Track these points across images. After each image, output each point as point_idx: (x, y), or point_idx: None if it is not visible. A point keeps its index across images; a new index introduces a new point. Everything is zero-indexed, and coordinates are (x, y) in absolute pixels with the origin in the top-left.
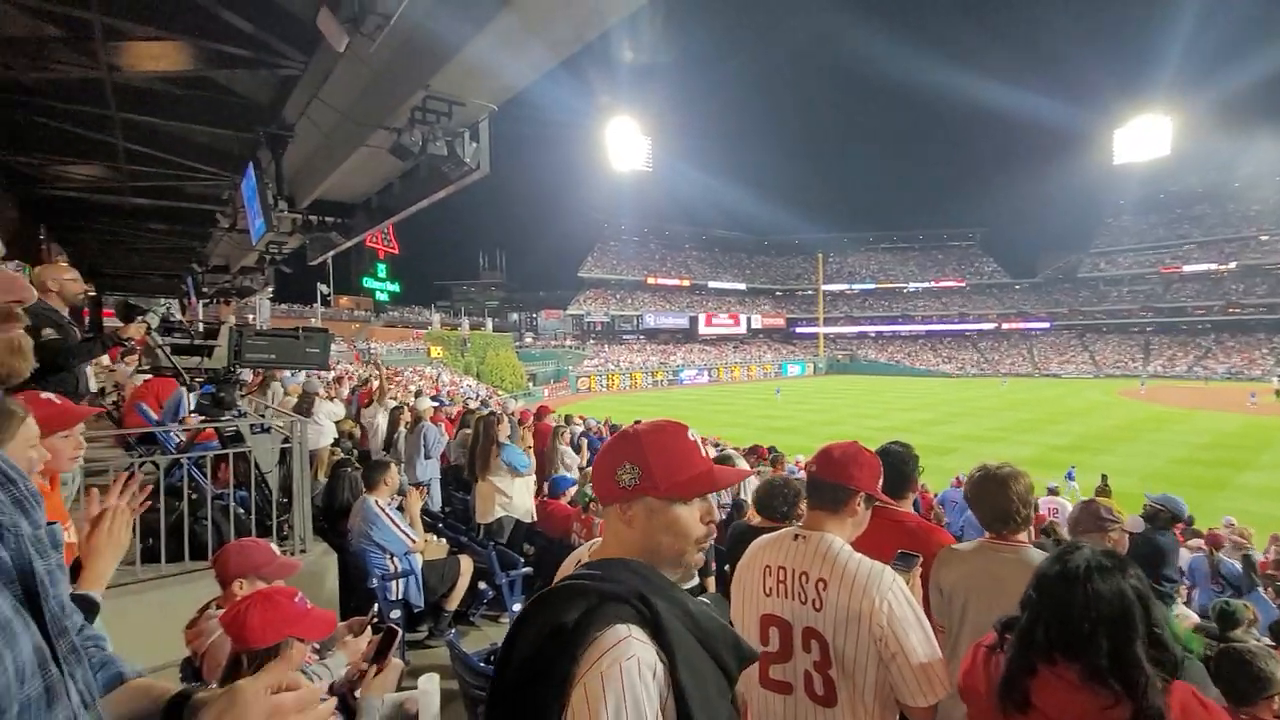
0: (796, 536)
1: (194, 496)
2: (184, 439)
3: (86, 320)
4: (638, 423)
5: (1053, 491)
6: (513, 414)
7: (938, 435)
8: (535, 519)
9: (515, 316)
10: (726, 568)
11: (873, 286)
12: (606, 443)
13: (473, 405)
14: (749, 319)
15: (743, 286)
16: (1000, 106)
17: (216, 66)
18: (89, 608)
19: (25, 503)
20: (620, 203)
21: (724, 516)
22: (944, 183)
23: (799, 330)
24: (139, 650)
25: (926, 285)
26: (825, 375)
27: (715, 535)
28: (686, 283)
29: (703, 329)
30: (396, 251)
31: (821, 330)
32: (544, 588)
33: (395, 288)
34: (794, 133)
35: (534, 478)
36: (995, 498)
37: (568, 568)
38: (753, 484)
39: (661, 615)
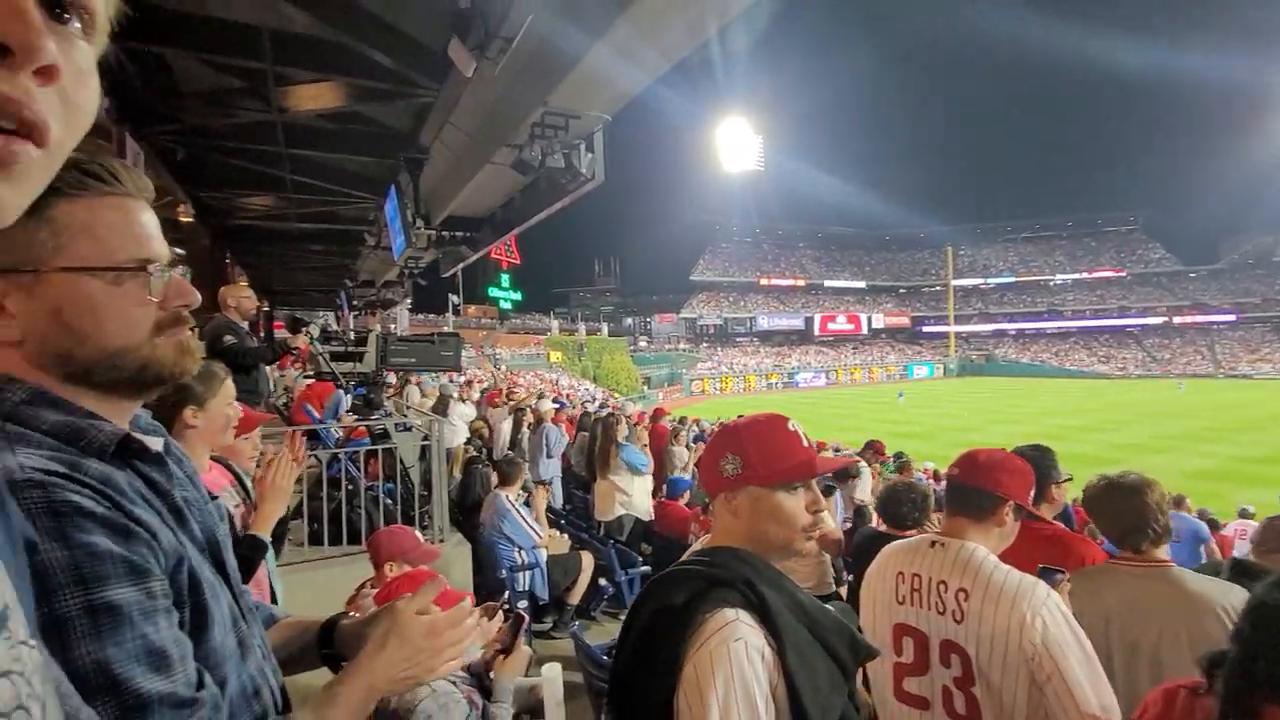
0: (934, 543)
1: (350, 487)
2: (341, 436)
3: (260, 331)
4: (740, 417)
5: (1245, 515)
6: (629, 416)
7: (1095, 444)
8: (653, 518)
9: (629, 321)
10: (850, 577)
11: (1012, 280)
12: (711, 437)
13: (590, 408)
14: (869, 318)
15: (862, 285)
16: (1161, 70)
17: (363, 100)
18: (258, 547)
19: (195, 478)
20: (731, 204)
21: (846, 526)
22: (1095, 162)
23: (926, 330)
24: None
25: (1078, 276)
26: (957, 377)
27: (829, 534)
28: (801, 283)
29: (819, 330)
30: (518, 261)
31: (952, 329)
32: None
33: (517, 296)
34: (915, 121)
35: (652, 478)
36: (1124, 509)
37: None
38: (867, 483)
39: (769, 601)
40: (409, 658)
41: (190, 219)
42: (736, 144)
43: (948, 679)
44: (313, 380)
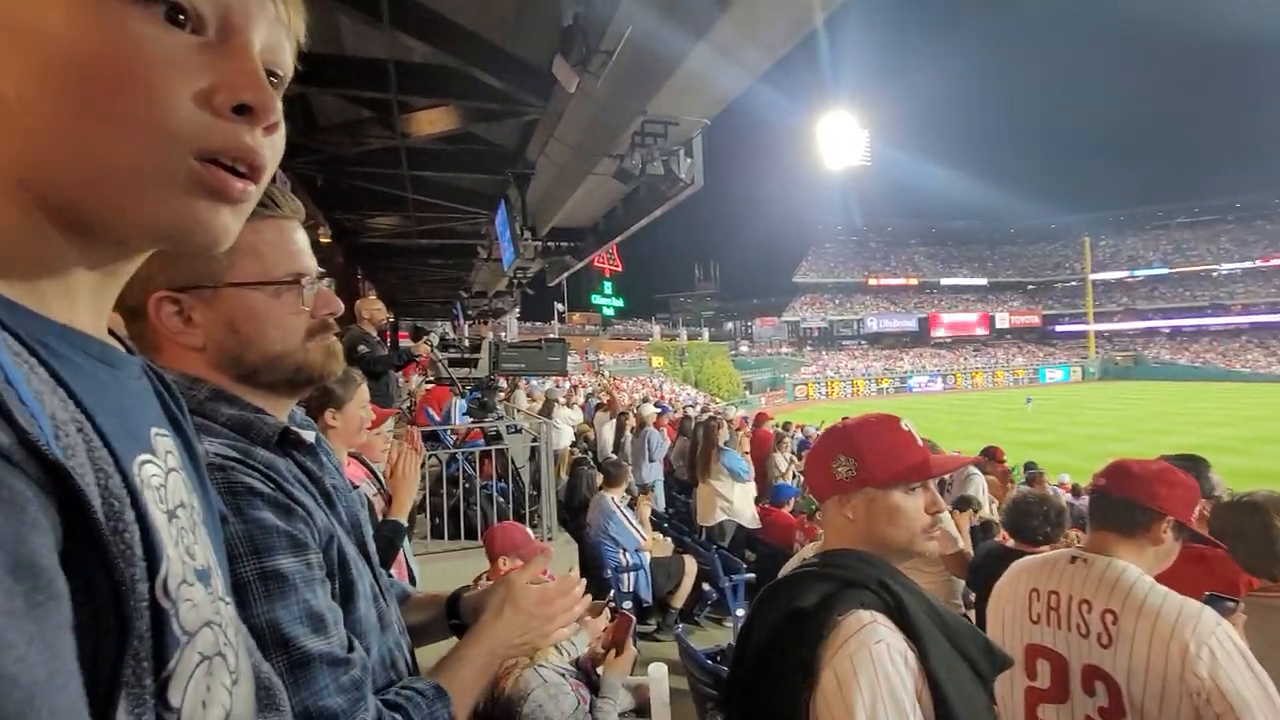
0: (1075, 559)
1: (466, 486)
2: (458, 437)
3: (389, 341)
4: (846, 419)
5: None
6: (730, 421)
7: (1270, 457)
8: (757, 526)
9: (730, 325)
10: (973, 596)
11: (1164, 271)
12: (818, 439)
13: (691, 413)
14: (992, 317)
15: (983, 282)
16: None
17: (476, 121)
18: (398, 530)
19: (340, 469)
20: (835, 202)
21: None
22: (1266, 135)
23: (1059, 329)
24: None
25: (1249, 265)
26: (1098, 381)
27: (961, 552)
28: (913, 281)
29: (934, 331)
30: (620, 269)
31: (1091, 327)
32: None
33: (620, 303)
34: (1042, 102)
35: (754, 484)
36: (1248, 529)
37: (793, 562)
38: (979, 482)
39: (905, 602)
40: (524, 624)
41: (328, 240)
42: (840, 139)
43: (1091, 709)
44: (432, 385)
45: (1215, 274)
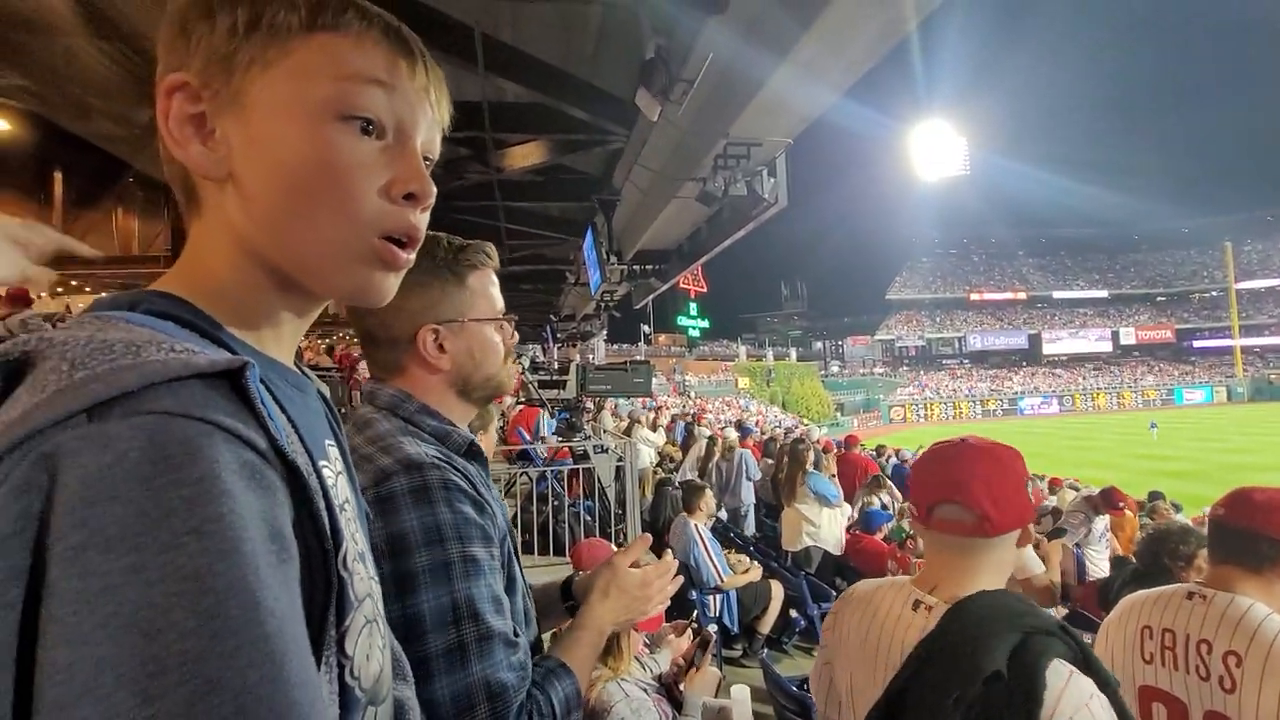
0: (1193, 595)
1: (555, 503)
2: (547, 456)
3: None
4: (964, 439)
5: None
6: (816, 442)
7: None
8: (845, 552)
9: (819, 345)
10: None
11: None
12: (991, 457)
13: (778, 434)
14: (1115, 333)
15: (1104, 294)
16: None
17: (565, 153)
18: None
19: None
20: (930, 215)
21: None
22: None
23: (1197, 344)
24: None
25: None
26: (1248, 403)
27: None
28: (1022, 295)
29: (1048, 348)
30: (705, 290)
31: (1237, 343)
32: None
33: (705, 324)
34: (1169, 94)
35: (846, 508)
36: None
37: (893, 604)
38: (1099, 533)
39: (1089, 651)
40: (626, 605)
41: None
42: (935, 149)
43: None
44: (524, 406)
45: None
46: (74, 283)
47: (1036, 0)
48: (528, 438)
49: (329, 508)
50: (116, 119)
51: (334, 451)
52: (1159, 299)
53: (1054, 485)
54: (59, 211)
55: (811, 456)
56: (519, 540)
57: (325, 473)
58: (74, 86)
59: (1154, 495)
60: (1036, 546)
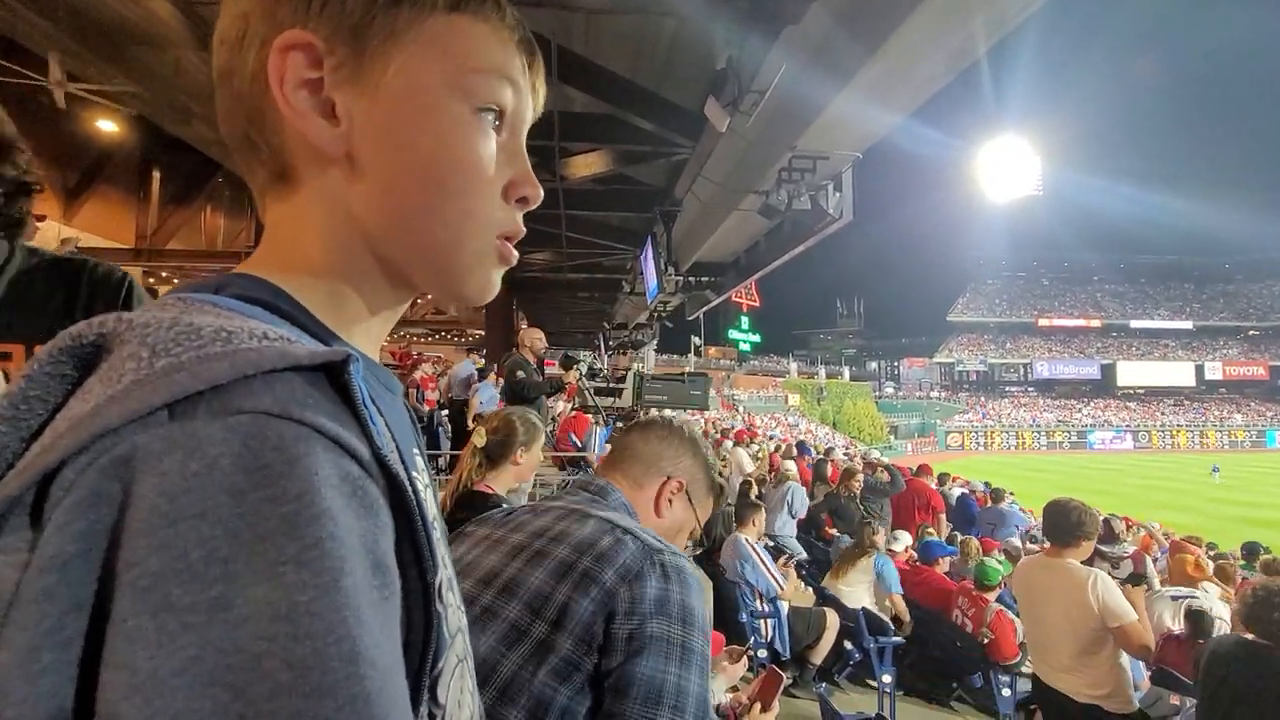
0: None
1: None
2: (598, 465)
3: (545, 369)
4: None
5: None
6: (880, 468)
7: None
8: (903, 586)
9: (874, 365)
10: (1188, 702)
11: None
12: None
13: (838, 456)
14: (1200, 367)
15: (1188, 325)
16: None
17: (628, 164)
18: None
19: None
20: (999, 235)
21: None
22: None
23: None
24: None
25: None
26: None
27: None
28: (1096, 323)
29: (1122, 379)
30: (758, 304)
31: None
32: (918, 659)
33: (756, 338)
34: (1261, 111)
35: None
36: None
37: None
38: (1214, 597)
39: None
40: None
41: None
42: (1008, 167)
43: None
44: (577, 412)
45: None
46: (164, 274)
47: (1116, 4)
48: (578, 443)
49: (427, 531)
50: (213, 123)
51: (420, 461)
52: (1251, 333)
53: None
54: (155, 207)
55: (882, 539)
56: None
57: (419, 486)
58: (179, 94)
59: (1251, 548)
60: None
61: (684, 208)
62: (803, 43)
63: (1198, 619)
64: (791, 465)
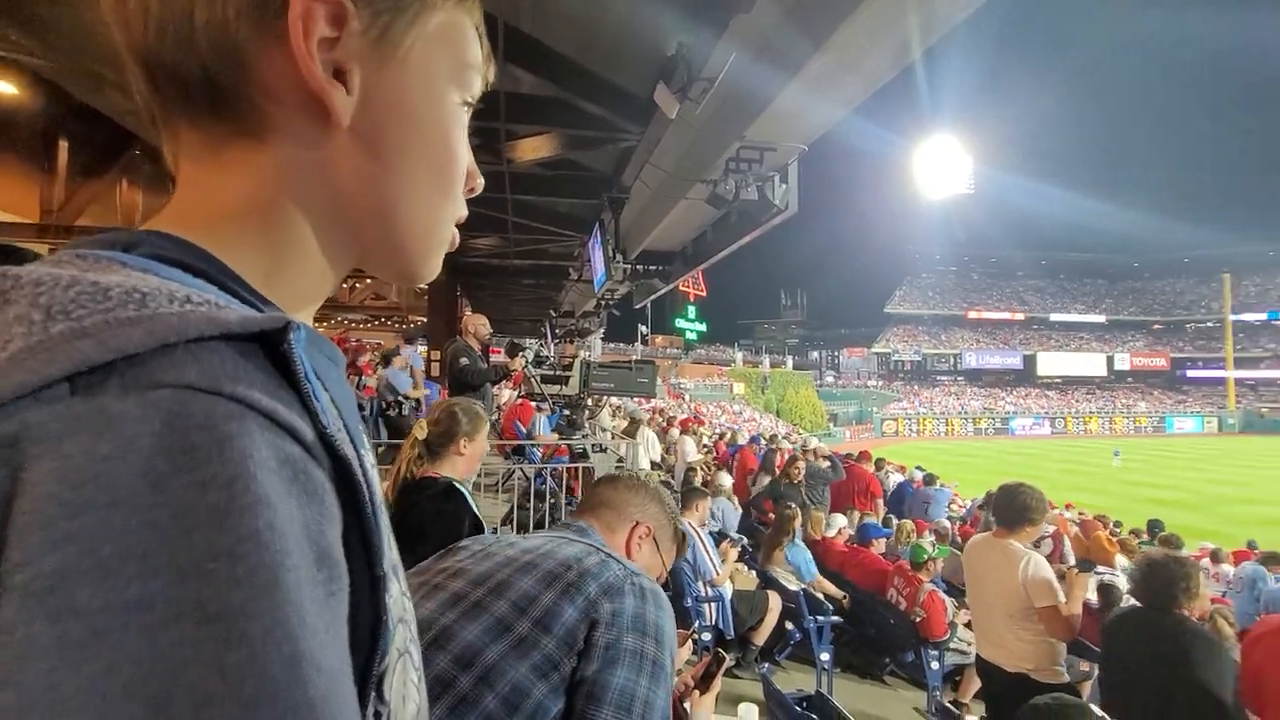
0: None
1: (552, 501)
2: (544, 453)
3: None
4: None
5: None
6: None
7: None
8: (843, 566)
9: (815, 354)
10: (1097, 671)
11: None
12: None
13: (786, 445)
14: (1110, 358)
15: (1101, 319)
16: None
17: (576, 148)
18: None
19: None
20: (934, 231)
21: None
22: None
23: (1191, 374)
24: None
25: None
26: (1238, 434)
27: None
28: (1019, 316)
29: (1042, 369)
30: (705, 294)
31: (1231, 374)
32: (854, 637)
33: (703, 327)
34: (1178, 125)
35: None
36: None
37: None
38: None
39: None
40: None
41: None
42: (941, 166)
43: None
44: (523, 400)
45: None
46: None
47: (1049, 18)
48: (523, 430)
49: (376, 515)
50: (128, 91)
51: (368, 440)
52: (1155, 327)
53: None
54: (62, 179)
55: (798, 521)
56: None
57: (367, 466)
58: (91, 59)
59: (1153, 525)
60: (1062, 578)
61: (632, 195)
62: (753, 32)
63: (1108, 591)
64: (726, 479)
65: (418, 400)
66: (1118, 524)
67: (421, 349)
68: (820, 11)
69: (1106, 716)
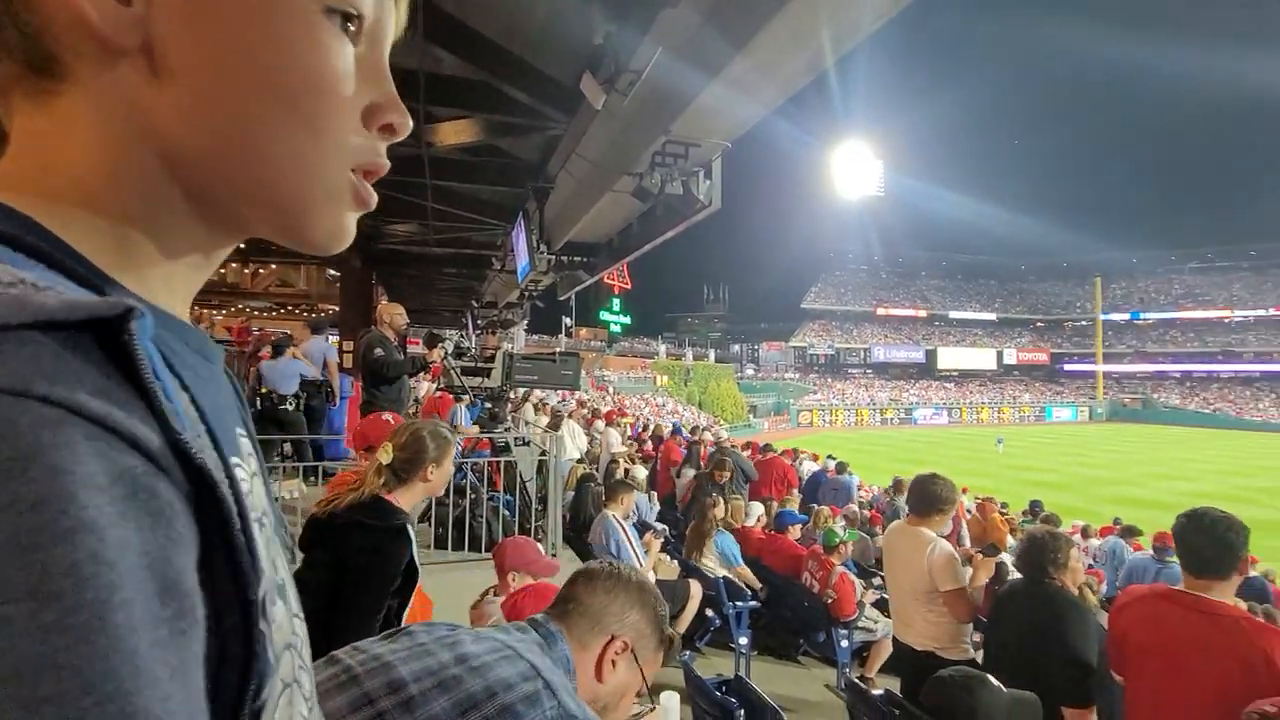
0: None
1: (473, 496)
2: (465, 446)
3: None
4: None
5: None
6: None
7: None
8: (761, 552)
9: (736, 348)
10: (979, 637)
11: (1174, 315)
12: None
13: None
14: (1000, 353)
15: (992, 316)
16: None
17: (499, 135)
18: None
19: None
20: (848, 231)
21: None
22: None
23: (1067, 368)
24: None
25: (1262, 313)
26: (1105, 423)
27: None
28: (922, 313)
29: (941, 363)
30: (629, 287)
31: (1100, 368)
32: (771, 620)
33: (627, 320)
34: (1059, 140)
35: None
36: None
37: None
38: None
39: None
40: None
41: None
42: (855, 169)
43: None
44: (442, 392)
45: (1228, 321)
46: None
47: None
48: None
49: (247, 534)
50: None
51: (246, 444)
52: (1038, 324)
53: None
54: None
55: (721, 510)
56: (432, 535)
57: (240, 476)
58: None
59: (1034, 505)
60: (969, 560)
61: (558, 185)
62: (678, 30)
63: (998, 569)
64: (641, 472)
65: (329, 392)
66: (1004, 505)
67: (333, 339)
68: (740, 16)
69: (1002, 687)
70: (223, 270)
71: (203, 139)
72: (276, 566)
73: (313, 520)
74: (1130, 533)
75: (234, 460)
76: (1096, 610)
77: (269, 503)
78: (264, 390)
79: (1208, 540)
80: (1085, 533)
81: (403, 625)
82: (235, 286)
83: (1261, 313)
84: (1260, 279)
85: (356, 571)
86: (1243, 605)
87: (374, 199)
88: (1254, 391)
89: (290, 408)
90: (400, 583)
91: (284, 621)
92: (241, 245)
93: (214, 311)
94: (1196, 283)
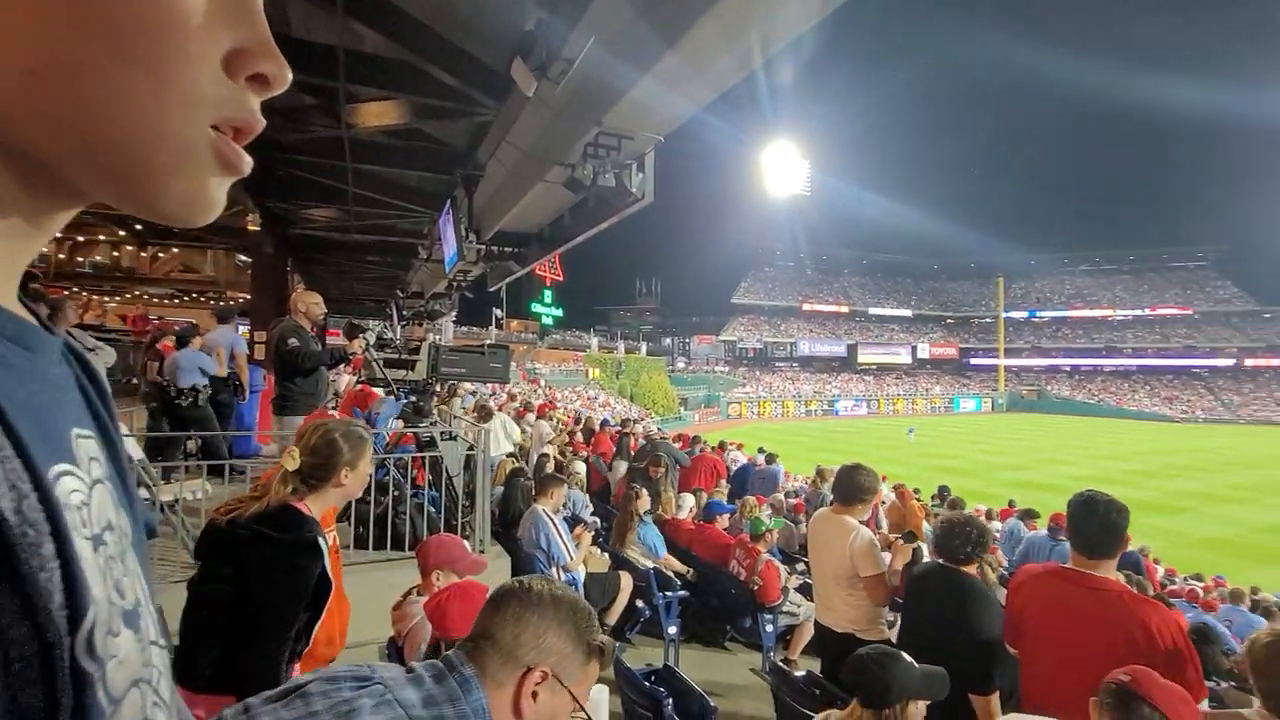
0: None
1: (396, 493)
2: (389, 442)
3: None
4: None
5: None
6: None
7: (1157, 491)
8: (691, 542)
9: (668, 341)
10: (893, 617)
11: (1065, 314)
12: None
13: (639, 429)
14: (914, 348)
15: (908, 313)
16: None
17: (426, 118)
18: None
19: None
20: (776, 228)
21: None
22: (1160, 197)
23: (974, 362)
24: (351, 627)
25: (1139, 313)
26: (1005, 413)
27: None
28: (845, 309)
29: (862, 358)
30: (561, 279)
31: (1001, 362)
32: (699, 609)
33: (559, 312)
34: (968, 148)
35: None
36: None
37: None
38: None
39: None
40: None
41: (256, 227)
42: (783, 168)
43: None
44: (363, 385)
45: (1111, 319)
46: None
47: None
48: (364, 417)
49: (62, 552)
50: None
51: (90, 446)
52: (949, 321)
53: None
54: None
55: (645, 503)
56: (353, 534)
57: (67, 486)
58: None
59: (942, 490)
60: (888, 546)
61: (488, 173)
62: (610, 22)
63: (914, 553)
64: (580, 467)
65: (237, 386)
66: (917, 491)
67: (243, 329)
68: (672, 11)
69: (915, 662)
70: (116, 253)
71: (11, 83)
72: (123, 591)
73: (212, 528)
74: (1029, 515)
75: (59, 468)
76: (995, 587)
77: (123, 509)
78: (164, 383)
79: (1097, 524)
80: (989, 515)
81: (299, 681)
82: (131, 271)
83: (1139, 312)
84: (1138, 281)
85: (262, 589)
86: (1121, 578)
87: (246, 163)
88: (1131, 384)
89: (188, 402)
90: (312, 597)
91: (130, 654)
92: (138, 226)
93: (106, 298)
94: (1085, 284)
